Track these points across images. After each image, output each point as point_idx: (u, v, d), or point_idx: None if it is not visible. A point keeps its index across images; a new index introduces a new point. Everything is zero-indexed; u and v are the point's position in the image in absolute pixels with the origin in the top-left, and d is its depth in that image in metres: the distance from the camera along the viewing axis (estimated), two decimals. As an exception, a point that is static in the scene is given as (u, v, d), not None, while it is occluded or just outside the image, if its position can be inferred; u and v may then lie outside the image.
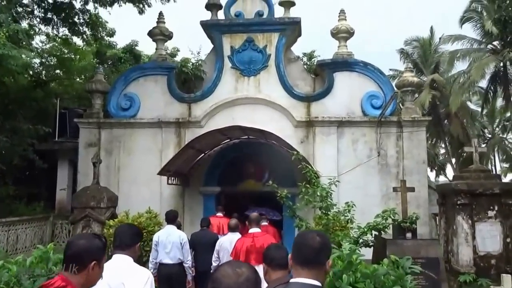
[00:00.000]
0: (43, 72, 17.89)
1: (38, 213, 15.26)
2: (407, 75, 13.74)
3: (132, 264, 3.80)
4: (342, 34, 13.94)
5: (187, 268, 7.91)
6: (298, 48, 22.99)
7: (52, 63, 18.38)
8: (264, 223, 10.20)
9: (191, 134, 13.16)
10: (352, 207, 8.88)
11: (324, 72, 13.83)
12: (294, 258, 2.62)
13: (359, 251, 7.71)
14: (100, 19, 16.48)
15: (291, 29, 13.85)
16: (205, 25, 14.02)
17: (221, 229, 10.46)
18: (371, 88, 13.51)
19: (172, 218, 8.12)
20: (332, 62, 13.78)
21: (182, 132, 13.75)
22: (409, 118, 13.12)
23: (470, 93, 29.98)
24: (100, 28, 16.40)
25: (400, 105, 15.53)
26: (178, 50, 22.51)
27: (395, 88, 13.69)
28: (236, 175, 13.97)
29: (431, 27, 30.88)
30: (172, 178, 12.57)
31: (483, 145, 34.02)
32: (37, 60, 17.35)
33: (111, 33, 20.37)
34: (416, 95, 22.28)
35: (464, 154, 34.76)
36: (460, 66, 28.56)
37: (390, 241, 8.38)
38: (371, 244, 8.69)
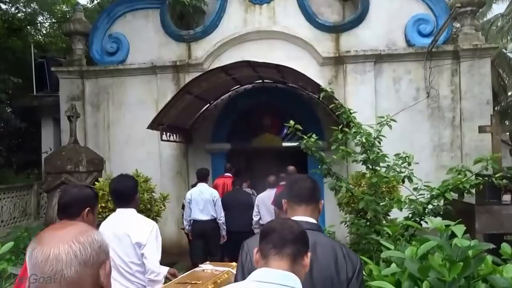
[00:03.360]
0: (20, 17, 15.11)
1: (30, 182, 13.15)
2: (463, -9, 10.71)
3: (136, 215, 3.80)
4: None
5: (221, 224, 8.22)
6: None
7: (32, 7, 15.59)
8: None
9: (193, 79, 10.52)
10: (412, 158, 6.01)
11: (355, -6, 10.96)
12: (289, 198, 2.59)
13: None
14: None
15: None
16: None
17: (226, 189, 9.48)
18: (418, 10, 10.53)
19: (203, 176, 8.47)
20: (365, -21, 10.84)
21: (181, 77, 11.13)
22: (469, 46, 10.20)
23: (508, 38, 27.20)
24: None
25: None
26: None
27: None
28: (250, 128, 11.56)
29: (460, -36, 27.54)
30: (169, 133, 10.04)
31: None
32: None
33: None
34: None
35: (498, 108, 32.34)
36: (497, 9, 25.74)
37: (480, 208, 5.67)
38: (441, 212, 5.90)
